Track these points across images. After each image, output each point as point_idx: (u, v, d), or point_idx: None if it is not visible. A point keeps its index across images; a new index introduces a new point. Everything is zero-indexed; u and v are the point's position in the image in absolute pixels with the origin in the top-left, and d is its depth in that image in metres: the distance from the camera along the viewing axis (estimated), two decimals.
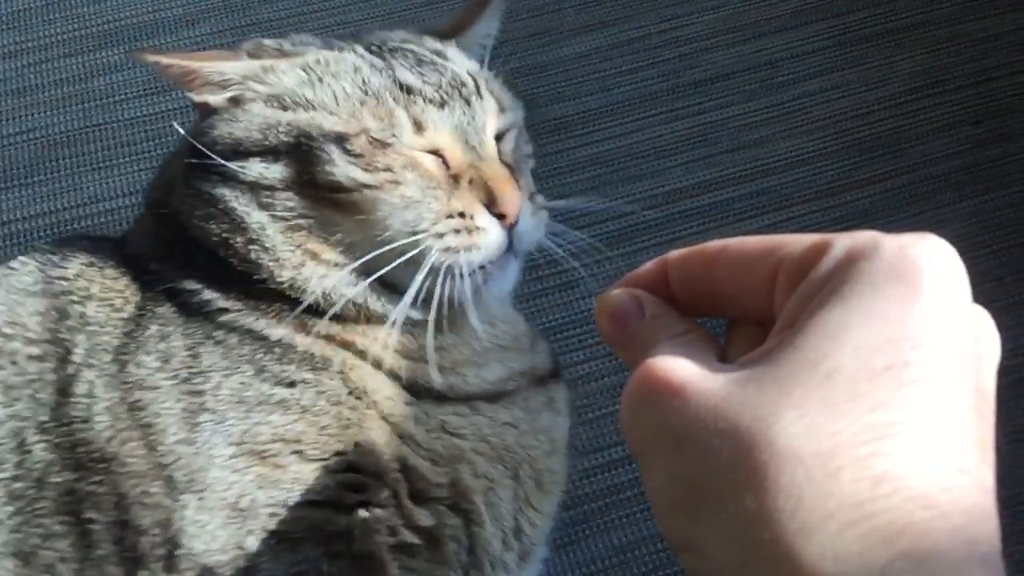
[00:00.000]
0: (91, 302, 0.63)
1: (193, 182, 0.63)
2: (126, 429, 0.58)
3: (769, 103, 1.31)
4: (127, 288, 0.64)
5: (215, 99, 0.63)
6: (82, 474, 0.57)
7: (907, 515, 0.29)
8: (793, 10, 1.40)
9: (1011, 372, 1.06)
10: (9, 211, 1.19)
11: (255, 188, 0.61)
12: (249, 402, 0.59)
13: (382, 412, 0.61)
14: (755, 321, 0.38)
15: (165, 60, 0.62)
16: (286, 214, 0.61)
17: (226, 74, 0.63)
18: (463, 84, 0.65)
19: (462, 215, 0.60)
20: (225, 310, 0.62)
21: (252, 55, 0.65)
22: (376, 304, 0.62)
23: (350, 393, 0.61)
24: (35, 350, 0.61)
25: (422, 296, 0.60)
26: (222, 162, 0.61)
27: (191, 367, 0.59)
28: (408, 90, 0.62)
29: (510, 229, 0.62)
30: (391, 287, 0.62)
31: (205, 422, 0.58)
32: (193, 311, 0.62)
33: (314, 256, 0.61)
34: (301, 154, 0.60)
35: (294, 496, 0.58)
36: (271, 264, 0.61)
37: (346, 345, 0.62)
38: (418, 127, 0.62)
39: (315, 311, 0.61)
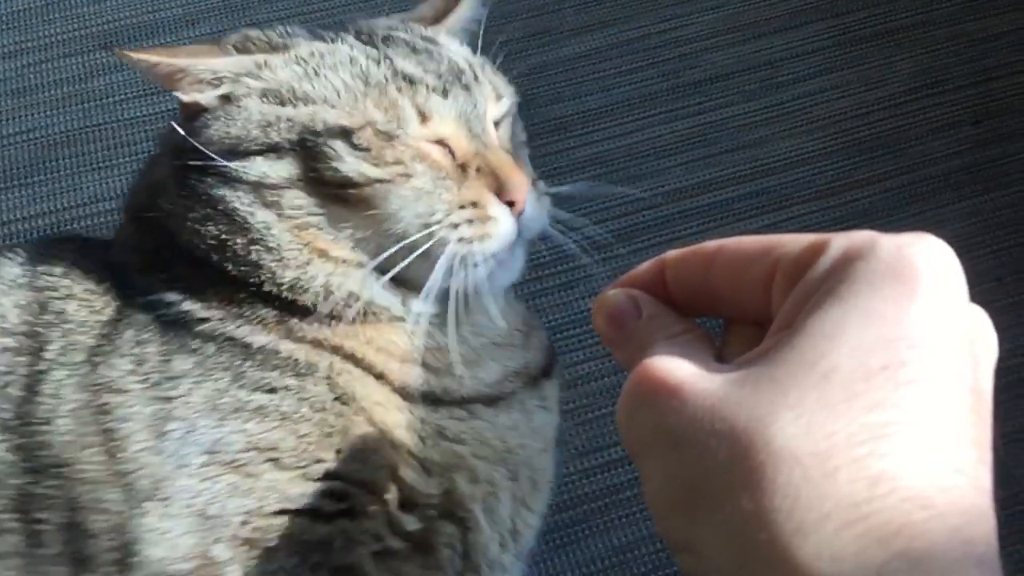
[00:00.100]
0: (72, 301, 0.62)
1: (188, 184, 0.61)
2: (88, 434, 0.57)
3: (769, 103, 1.31)
4: (108, 293, 0.62)
5: (205, 97, 0.61)
6: (38, 478, 0.56)
7: (904, 515, 0.29)
8: (793, 10, 1.39)
9: (1010, 372, 1.07)
10: (9, 211, 1.19)
11: (258, 188, 0.59)
12: (223, 410, 0.57)
13: (371, 419, 0.59)
14: (752, 321, 0.38)
15: (152, 58, 0.60)
16: (294, 212, 0.59)
17: (218, 71, 0.60)
18: (461, 71, 0.63)
19: (475, 204, 0.59)
20: (206, 319, 0.60)
21: (240, 48, 0.62)
22: (394, 303, 0.61)
23: (336, 399, 0.59)
24: (10, 341, 0.60)
25: (438, 289, 0.59)
26: (223, 163, 0.59)
27: (163, 372, 0.58)
28: (410, 80, 0.61)
29: (518, 217, 0.61)
30: (402, 283, 0.61)
31: (174, 430, 0.56)
32: (172, 322, 0.60)
33: (322, 254, 0.60)
34: (305, 150, 0.59)
35: (269, 504, 0.56)
36: (273, 264, 0.59)
37: (335, 350, 0.60)
38: (423, 117, 0.60)
39: (307, 313, 0.60)
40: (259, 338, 0.59)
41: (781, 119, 1.29)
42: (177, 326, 0.60)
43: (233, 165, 0.59)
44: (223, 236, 0.60)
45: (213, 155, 0.59)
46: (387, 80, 0.60)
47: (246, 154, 0.59)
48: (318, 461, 0.57)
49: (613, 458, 1.03)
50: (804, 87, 1.32)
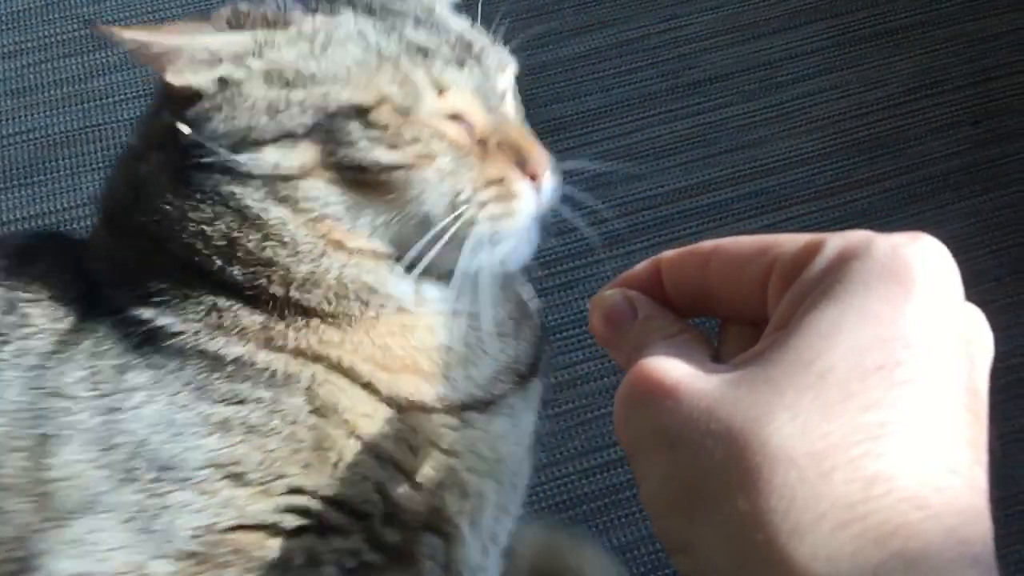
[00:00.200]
0: (39, 305, 0.58)
1: (189, 181, 0.56)
2: (20, 438, 0.53)
3: (768, 103, 1.31)
4: (73, 303, 0.59)
5: (200, 79, 0.55)
6: None
7: (899, 516, 0.29)
8: (792, 10, 1.39)
9: (1010, 372, 1.07)
10: (9, 211, 1.19)
11: (271, 181, 0.55)
12: (179, 424, 0.54)
13: (355, 431, 0.56)
14: (748, 321, 0.38)
15: (143, 36, 0.54)
16: (309, 204, 0.55)
17: (216, 50, 0.54)
18: (470, 42, 0.59)
19: (500, 181, 0.56)
20: (178, 334, 0.56)
21: (233, 24, 0.56)
22: (407, 293, 0.58)
23: (313, 411, 0.55)
24: None
25: (462, 273, 0.56)
26: (232, 157, 0.54)
27: (116, 384, 0.55)
28: (424, 51, 0.56)
29: (538, 191, 0.58)
30: (426, 273, 0.57)
31: (121, 444, 0.53)
32: (138, 339, 0.56)
33: (338, 246, 0.56)
34: (321, 135, 0.54)
35: (224, 521, 0.53)
36: (288, 259, 0.55)
37: (318, 359, 0.56)
38: (440, 90, 0.56)
39: (303, 315, 0.57)
40: (234, 349, 0.56)
41: (780, 119, 1.29)
42: (143, 342, 0.56)
43: (243, 159, 0.54)
44: (234, 235, 0.55)
45: (218, 150, 0.54)
46: (400, 52, 0.56)
47: (255, 144, 0.55)
48: (281, 476, 0.54)
49: (613, 458, 1.03)
50: (803, 87, 1.32)
